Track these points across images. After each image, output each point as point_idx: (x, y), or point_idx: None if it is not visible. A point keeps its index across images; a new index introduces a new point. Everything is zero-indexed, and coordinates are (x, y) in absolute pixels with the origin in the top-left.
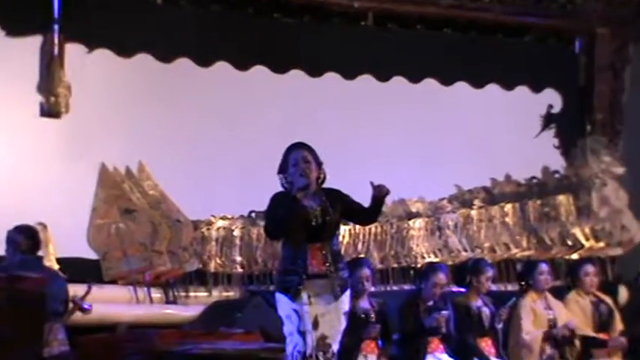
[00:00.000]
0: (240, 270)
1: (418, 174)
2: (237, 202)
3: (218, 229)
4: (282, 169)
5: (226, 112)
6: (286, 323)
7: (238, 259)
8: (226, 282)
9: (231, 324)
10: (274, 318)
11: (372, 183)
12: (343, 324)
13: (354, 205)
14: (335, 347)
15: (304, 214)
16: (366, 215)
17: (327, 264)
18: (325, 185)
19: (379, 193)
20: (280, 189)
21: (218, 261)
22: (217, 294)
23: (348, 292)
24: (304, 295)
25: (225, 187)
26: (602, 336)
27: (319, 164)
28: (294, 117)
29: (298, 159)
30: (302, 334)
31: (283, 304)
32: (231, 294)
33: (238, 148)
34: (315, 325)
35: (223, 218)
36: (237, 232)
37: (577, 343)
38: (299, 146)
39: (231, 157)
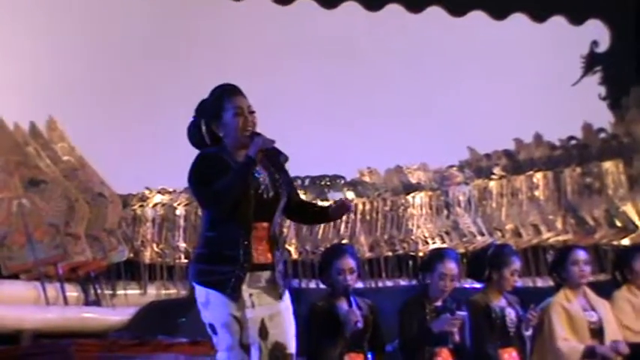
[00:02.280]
0: (184, 260)
1: (420, 133)
2: (181, 170)
3: (155, 206)
4: (210, 114)
5: (168, 52)
6: (220, 334)
7: (182, 245)
8: (166, 276)
9: (173, 331)
10: None
11: (337, 202)
12: (294, 327)
13: (294, 192)
14: (295, 358)
15: (255, 184)
16: (303, 214)
17: (275, 251)
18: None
19: (337, 213)
20: None
21: (155, 248)
22: (154, 292)
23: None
24: (245, 295)
25: (164, 152)
26: None
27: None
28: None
29: (243, 107)
30: (245, 347)
31: (216, 307)
32: (173, 292)
33: (183, 100)
34: (263, 332)
35: (162, 192)
36: (180, 211)
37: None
38: (238, 90)
39: (174, 111)
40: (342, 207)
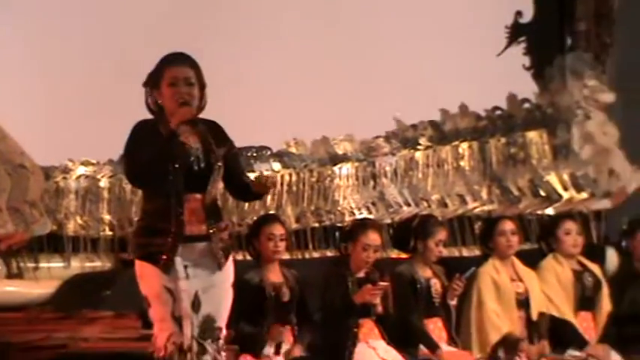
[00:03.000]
0: (109, 233)
1: (346, 104)
2: (105, 141)
3: (78, 177)
4: (152, 83)
5: (94, 10)
6: (154, 305)
7: (107, 217)
8: (90, 248)
9: (97, 304)
10: None
11: (257, 177)
12: (230, 299)
13: (236, 167)
14: (224, 332)
15: (183, 155)
16: (237, 190)
17: (209, 222)
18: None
19: (260, 189)
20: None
21: (79, 221)
22: (78, 265)
23: (230, 259)
24: (179, 266)
25: (87, 122)
26: (584, 316)
27: (203, 87)
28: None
29: (178, 78)
30: (177, 319)
31: (149, 279)
32: (98, 264)
33: (109, 69)
34: (196, 305)
35: (85, 163)
36: (104, 182)
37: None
38: (181, 60)
39: (99, 80)
40: (261, 185)
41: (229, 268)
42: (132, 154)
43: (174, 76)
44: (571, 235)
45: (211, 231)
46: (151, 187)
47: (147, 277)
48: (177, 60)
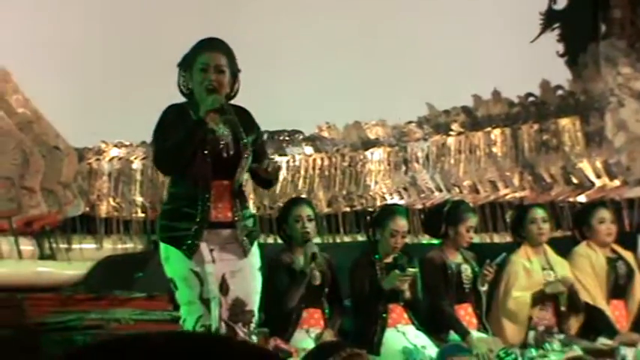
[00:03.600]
0: (141, 215)
1: (378, 88)
2: (138, 123)
3: (112, 159)
4: (185, 66)
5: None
6: (181, 288)
7: (139, 199)
8: (123, 230)
9: (129, 286)
10: None
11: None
12: (259, 284)
13: (262, 155)
14: (256, 315)
15: (212, 142)
16: (261, 178)
17: (235, 209)
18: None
19: (264, 173)
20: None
21: (112, 202)
22: (110, 246)
23: (256, 245)
24: (204, 250)
25: (121, 104)
26: (616, 304)
27: (235, 74)
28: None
29: (209, 64)
30: (205, 302)
31: (175, 262)
32: (130, 246)
33: (142, 51)
34: (224, 288)
35: (119, 145)
36: (137, 165)
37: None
38: (214, 46)
39: (132, 62)
40: (265, 169)
41: (256, 253)
42: (160, 138)
43: (206, 62)
44: (605, 224)
45: (236, 218)
46: (177, 172)
47: (173, 260)
48: (210, 46)
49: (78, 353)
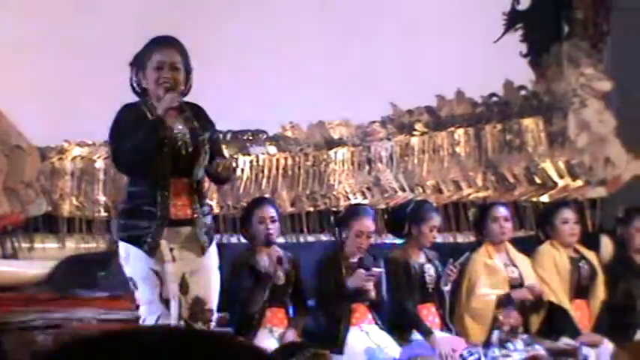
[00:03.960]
0: (104, 214)
1: (341, 88)
2: (101, 122)
3: (74, 158)
4: (138, 64)
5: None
6: (140, 288)
7: (102, 199)
8: (85, 229)
9: (92, 285)
10: None
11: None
12: (217, 282)
13: (218, 151)
14: (215, 314)
15: (171, 140)
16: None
17: (194, 206)
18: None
19: (215, 173)
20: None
21: (74, 202)
22: (73, 245)
23: (214, 244)
24: (165, 249)
25: (84, 102)
26: (578, 304)
27: (189, 71)
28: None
29: (165, 62)
30: (165, 301)
31: (135, 261)
32: (92, 246)
33: (103, 50)
34: (184, 287)
35: (81, 144)
36: (100, 164)
37: (542, 311)
38: (168, 44)
39: (95, 58)
40: (216, 170)
41: (214, 251)
42: (118, 138)
43: (161, 60)
44: (568, 224)
45: (195, 215)
46: (137, 171)
47: (133, 259)
48: (164, 44)
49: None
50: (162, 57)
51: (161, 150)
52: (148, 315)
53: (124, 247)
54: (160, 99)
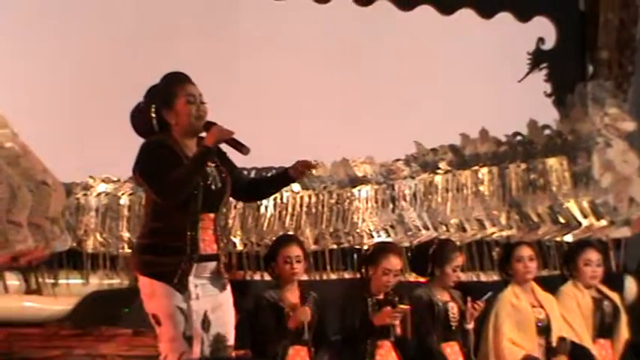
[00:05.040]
0: (128, 250)
1: (366, 126)
2: (126, 159)
3: (99, 195)
4: (162, 100)
5: (120, 37)
6: (164, 325)
7: (126, 235)
8: (109, 266)
9: (116, 321)
10: None
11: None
12: (233, 318)
13: (239, 174)
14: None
15: (203, 175)
16: (257, 188)
17: (219, 242)
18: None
19: (297, 174)
20: None
21: (99, 238)
22: (97, 281)
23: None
24: (192, 286)
25: (109, 139)
26: (602, 344)
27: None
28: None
29: (196, 95)
30: (188, 339)
31: (162, 298)
32: (116, 282)
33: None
34: (206, 324)
35: (106, 181)
36: (124, 200)
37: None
38: (187, 78)
39: (119, 98)
40: (304, 165)
41: (229, 287)
42: (159, 172)
43: (192, 93)
44: (590, 266)
45: (220, 251)
46: (176, 205)
47: (159, 296)
48: (188, 78)
49: None
50: (191, 91)
51: (199, 184)
52: (170, 352)
53: (148, 284)
54: (191, 133)
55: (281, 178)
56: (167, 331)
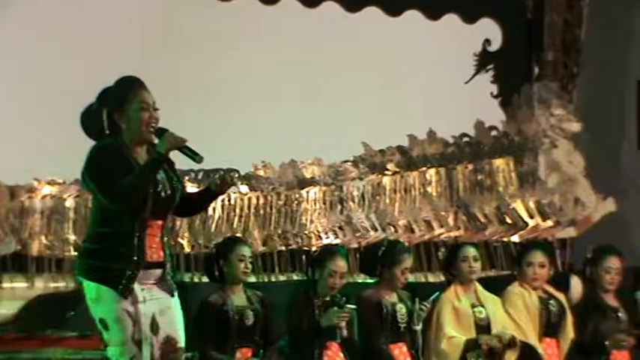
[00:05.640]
0: (73, 253)
1: (314, 127)
2: (71, 160)
3: (44, 197)
4: (114, 104)
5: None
6: (112, 329)
7: (72, 238)
8: (55, 269)
9: (61, 325)
10: None
11: (218, 177)
12: (182, 320)
13: (184, 189)
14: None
15: (154, 181)
16: (190, 204)
17: (165, 249)
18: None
19: (219, 189)
20: None
21: (44, 241)
22: (42, 285)
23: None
24: (138, 290)
25: (54, 141)
26: (548, 343)
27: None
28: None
29: (149, 102)
30: (137, 342)
31: (108, 303)
32: (62, 285)
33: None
34: (155, 327)
35: (51, 183)
36: (70, 202)
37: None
38: (142, 83)
39: (65, 101)
40: (224, 183)
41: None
42: (110, 177)
43: (146, 100)
44: (532, 267)
45: (166, 258)
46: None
47: (105, 300)
48: (143, 84)
49: None
50: (145, 97)
51: (150, 190)
52: (120, 356)
53: (94, 288)
54: (142, 139)
55: (206, 195)
56: (116, 335)
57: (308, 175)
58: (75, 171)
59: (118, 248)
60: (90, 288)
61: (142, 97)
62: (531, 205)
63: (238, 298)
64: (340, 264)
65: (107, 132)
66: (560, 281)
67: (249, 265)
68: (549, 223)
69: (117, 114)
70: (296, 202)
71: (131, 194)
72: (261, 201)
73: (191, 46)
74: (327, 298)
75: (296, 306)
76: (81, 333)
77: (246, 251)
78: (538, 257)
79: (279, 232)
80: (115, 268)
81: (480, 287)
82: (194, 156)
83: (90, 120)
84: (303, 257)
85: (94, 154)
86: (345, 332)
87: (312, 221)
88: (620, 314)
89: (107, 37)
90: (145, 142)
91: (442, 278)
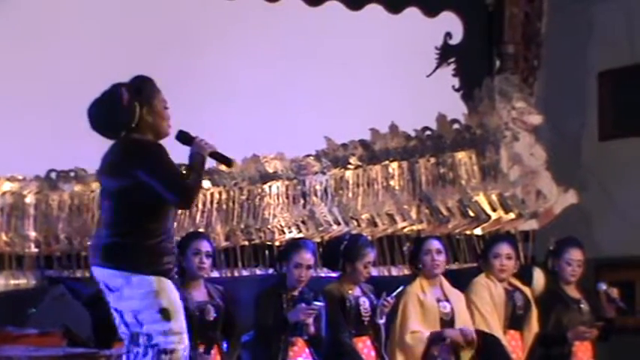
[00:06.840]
0: (34, 250)
1: (276, 122)
2: (31, 157)
3: (4, 194)
4: (145, 99)
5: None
6: (176, 318)
7: (32, 234)
8: (15, 266)
9: (22, 322)
10: (81, 313)
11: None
12: None
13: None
14: None
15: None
16: None
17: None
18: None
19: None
20: None
21: (4, 237)
22: (2, 282)
23: None
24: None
25: (13, 137)
26: (512, 335)
27: None
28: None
29: (166, 101)
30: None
31: (171, 293)
32: (22, 282)
33: (34, 84)
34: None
35: (11, 179)
36: (30, 199)
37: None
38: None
39: (27, 93)
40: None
41: None
42: (174, 173)
43: (164, 99)
44: (498, 259)
45: None
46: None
47: (169, 292)
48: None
49: None
50: (163, 96)
51: None
52: (178, 345)
53: (156, 281)
54: (161, 135)
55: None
56: (180, 324)
57: (270, 170)
58: (34, 167)
59: (169, 243)
60: (153, 280)
61: (163, 97)
62: (494, 197)
63: (198, 293)
64: (305, 256)
65: (134, 125)
66: (523, 274)
67: (205, 260)
68: (511, 215)
69: (146, 109)
70: (259, 196)
71: (196, 193)
72: (224, 196)
73: (155, 38)
74: (296, 293)
75: (263, 300)
76: (42, 330)
77: (202, 246)
78: (505, 249)
79: (242, 226)
80: (168, 261)
81: (445, 281)
82: (227, 160)
83: (120, 113)
84: (266, 252)
85: (154, 150)
86: (312, 329)
87: (274, 216)
88: (582, 306)
89: (90, 36)
90: (162, 138)
91: (405, 272)
